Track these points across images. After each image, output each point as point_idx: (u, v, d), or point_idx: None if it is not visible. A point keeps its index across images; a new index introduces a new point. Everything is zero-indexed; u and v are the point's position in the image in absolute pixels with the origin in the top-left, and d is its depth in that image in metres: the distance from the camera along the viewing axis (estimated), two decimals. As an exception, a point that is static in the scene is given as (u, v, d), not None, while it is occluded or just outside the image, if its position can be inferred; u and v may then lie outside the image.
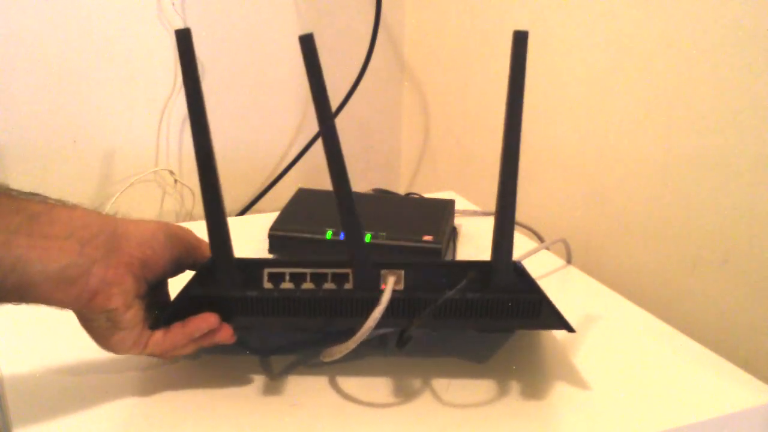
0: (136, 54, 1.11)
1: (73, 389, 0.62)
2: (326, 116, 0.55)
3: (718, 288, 0.77)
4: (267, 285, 0.60)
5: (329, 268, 0.60)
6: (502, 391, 0.63)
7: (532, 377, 0.65)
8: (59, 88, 1.08)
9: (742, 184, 0.74)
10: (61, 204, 0.55)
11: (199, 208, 1.21)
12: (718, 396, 0.63)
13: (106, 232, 0.56)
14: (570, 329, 0.62)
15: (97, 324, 0.57)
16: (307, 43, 0.52)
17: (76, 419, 0.58)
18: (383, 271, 0.59)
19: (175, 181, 1.19)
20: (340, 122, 1.21)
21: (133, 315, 0.57)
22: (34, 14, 1.04)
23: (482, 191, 1.12)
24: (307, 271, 0.59)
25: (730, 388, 0.64)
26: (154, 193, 1.19)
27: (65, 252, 0.53)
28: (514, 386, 0.63)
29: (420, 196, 1.09)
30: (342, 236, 0.85)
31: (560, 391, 0.63)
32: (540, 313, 0.61)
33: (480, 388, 0.63)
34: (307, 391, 0.62)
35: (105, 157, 1.14)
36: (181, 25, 1.11)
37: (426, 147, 1.31)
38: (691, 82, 0.78)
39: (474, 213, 1.03)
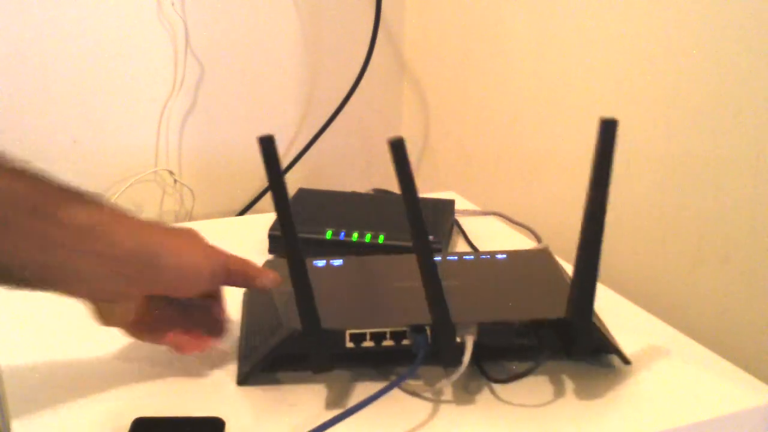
0: (136, 54, 1.11)
1: (72, 384, 0.61)
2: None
3: (719, 287, 0.77)
4: (348, 345, 0.61)
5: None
6: (499, 392, 0.63)
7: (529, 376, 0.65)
8: (59, 88, 1.08)
9: (742, 183, 0.74)
10: (109, 217, 0.56)
11: (198, 208, 1.21)
12: (718, 396, 0.63)
13: (146, 263, 0.57)
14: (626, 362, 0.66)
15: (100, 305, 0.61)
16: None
17: (74, 414, 0.58)
18: (459, 326, 0.61)
19: (175, 181, 1.19)
20: (340, 122, 1.22)
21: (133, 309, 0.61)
22: (33, 14, 1.04)
23: (482, 191, 1.12)
24: (386, 330, 0.61)
25: (730, 388, 0.64)
26: (154, 193, 1.19)
27: (97, 266, 0.55)
28: (511, 387, 0.63)
29: (420, 196, 1.08)
30: (342, 236, 0.85)
31: (559, 391, 0.63)
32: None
33: (476, 383, 0.63)
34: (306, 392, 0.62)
35: (105, 157, 1.14)
36: (181, 25, 1.11)
37: (426, 147, 1.31)
38: (691, 82, 0.78)
39: (474, 213, 1.03)
